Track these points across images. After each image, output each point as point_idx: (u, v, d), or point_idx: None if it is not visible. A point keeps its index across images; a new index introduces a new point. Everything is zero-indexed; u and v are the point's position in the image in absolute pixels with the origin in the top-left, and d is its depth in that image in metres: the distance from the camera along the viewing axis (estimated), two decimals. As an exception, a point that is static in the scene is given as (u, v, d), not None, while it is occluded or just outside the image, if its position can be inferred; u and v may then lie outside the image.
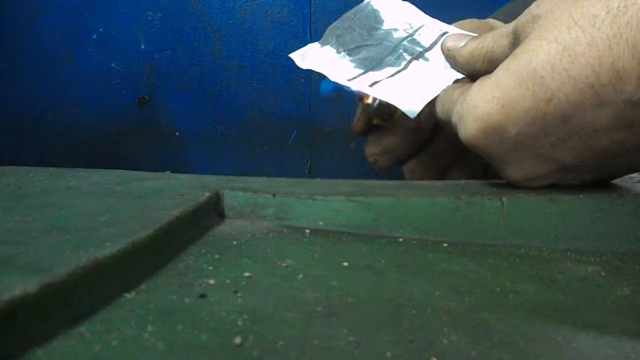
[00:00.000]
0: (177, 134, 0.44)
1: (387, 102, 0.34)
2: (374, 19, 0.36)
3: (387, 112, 0.36)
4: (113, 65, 0.44)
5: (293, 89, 0.43)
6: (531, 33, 0.26)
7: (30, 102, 0.45)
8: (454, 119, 0.30)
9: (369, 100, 0.35)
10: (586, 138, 0.25)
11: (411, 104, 0.32)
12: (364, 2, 0.37)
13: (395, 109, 0.36)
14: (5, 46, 0.46)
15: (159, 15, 0.43)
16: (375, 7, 0.36)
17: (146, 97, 0.44)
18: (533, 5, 0.27)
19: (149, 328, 0.15)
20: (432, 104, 0.33)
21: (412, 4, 0.37)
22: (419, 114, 0.32)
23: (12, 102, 0.46)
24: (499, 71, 0.27)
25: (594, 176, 0.29)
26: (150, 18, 0.43)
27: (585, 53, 0.24)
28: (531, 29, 0.27)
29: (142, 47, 0.43)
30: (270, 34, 0.43)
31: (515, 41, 0.28)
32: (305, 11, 0.43)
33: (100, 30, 0.44)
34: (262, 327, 0.16)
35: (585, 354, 0.16)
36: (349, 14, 0.36)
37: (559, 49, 0.24)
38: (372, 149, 0.38)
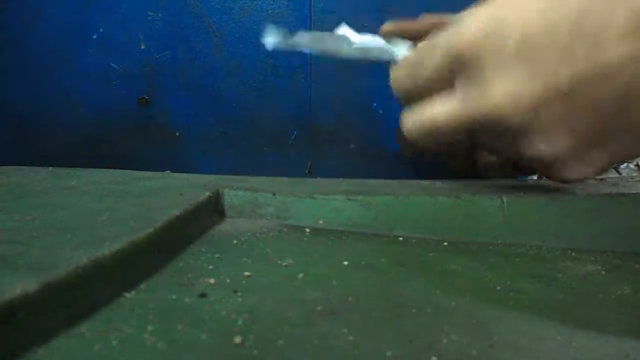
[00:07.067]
0: (178, 134, 0.44)
1: None
2: (344, 41, 0.36)
3: None
4: (113, 65, 0.44)
5: (293, 89, 0.43)
6: None
7: (30, 102, 0.45)
8: (444, 37, 0.27)
9: None
10: (590, 51, 0.23)
11: (399, 48, 0.33)
12: (334, 33, 0.37)
13: None
14: (5, 46, 0.46)
15: (159, 15, 0.43)
16: (343, 34, 0.36)
17: (146, 97, 0.44)
18: None
19: (149, 328, 0.15)
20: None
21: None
22: None
23: (12, 102, 0.46)
24: None
25: (581, 136, 0.25)
26: (150, 18, 0.43)
27: None
28: None
29: (142, 47, 0.43)
30: (271, 34, 0.43)
31: None
32: (305, 11, 0.43)
33: (100, 30, 0.43)
34: (262, 327, 0.16)
35: (585, 353, 0.16)
36: (316, 33, 0.36)
37: None
38: None
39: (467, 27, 0.25)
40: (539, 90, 0.24)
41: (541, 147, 0.26)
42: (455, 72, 0.27)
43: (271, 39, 0.34)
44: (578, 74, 0.24)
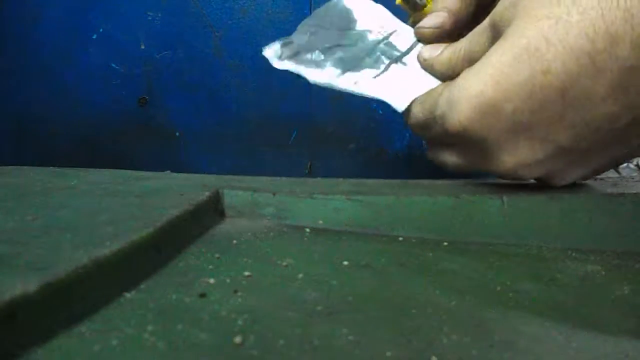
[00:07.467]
0: (177, 134, 0.44)
1: None
2: (347, 18, 0.35)
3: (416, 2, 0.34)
4: (113, 65, 0.44)
5: (293, 89, 0.43)
6: (515, 17, 0.26)
7: (30, 102, 0.45)
8: (441, 109, 0.28)
9: None
10: (583, 112, 0.25)
11: (398, 101, 0.32)
12: (334, 0, 0.36)
13: (425, 3, 0.34)
14: (5, 46, 0.46)
15: (159, 15, 0.43)
16: (346, 5, 0.36)
17: (146, 97, 0.44)
18: None
19: (149, 327, 0.15)
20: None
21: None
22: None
23: (12, 102, 0.46)
24: (490, 53, 0.26)
25: (585, 169, 0.29)
26: (150, 18, 0.43)
27: (578, 22, 0.24)
28: (514, 14, 0.26)
29: (142, 47, 0.43)
30: (271, 34, 0.43)
31: (496, 33, 0.27)
32: (305, 11, 0.43)
33: (101, 30, 0.43)
34: (262, 327, 0.16)
35: (585, 352, 0.16)
36: (319, 11, 0.35)
37: (551, 22, 0.24)
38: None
39: (460, 112, 0.27)
40: (541, 153, 0.27)
41: (557, 182, 0.29)
42: (459, 140, 0.29)
43: (271, 52, 0.34)
44: (573, 132, 0.26)
